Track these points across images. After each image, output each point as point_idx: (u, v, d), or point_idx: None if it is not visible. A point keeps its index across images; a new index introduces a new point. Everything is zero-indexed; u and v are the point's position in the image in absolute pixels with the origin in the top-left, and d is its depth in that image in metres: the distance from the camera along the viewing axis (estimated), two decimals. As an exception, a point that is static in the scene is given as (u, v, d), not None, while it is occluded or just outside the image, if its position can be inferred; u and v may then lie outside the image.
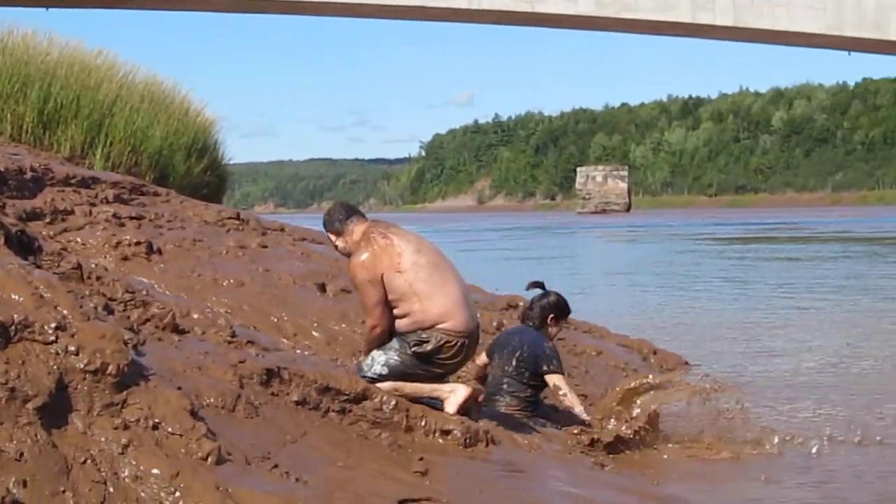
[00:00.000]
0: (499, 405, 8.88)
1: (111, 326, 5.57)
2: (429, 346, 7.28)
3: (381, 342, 7.39)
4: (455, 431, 7.08)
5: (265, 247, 12.42)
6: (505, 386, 9.04)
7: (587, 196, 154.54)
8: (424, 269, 7.28)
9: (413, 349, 7.30)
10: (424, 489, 6.13)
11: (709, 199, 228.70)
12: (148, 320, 7.14)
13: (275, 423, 6.26)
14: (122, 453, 5.03)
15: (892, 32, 58.62)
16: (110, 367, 5.25)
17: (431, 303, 7.24)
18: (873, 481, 8.19)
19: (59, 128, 17.62)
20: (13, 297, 5.46)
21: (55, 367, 5.14)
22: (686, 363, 13.84)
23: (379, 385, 7.18)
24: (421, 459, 6.58)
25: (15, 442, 4.70)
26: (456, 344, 7.32)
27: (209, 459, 5.24)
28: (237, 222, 13.43)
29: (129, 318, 6.98)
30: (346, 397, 6.85)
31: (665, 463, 8.54)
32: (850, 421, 9.97)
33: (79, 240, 10.73)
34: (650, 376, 9.59)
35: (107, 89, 19.05)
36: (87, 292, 6.76)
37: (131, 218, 11.79)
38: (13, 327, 5.21)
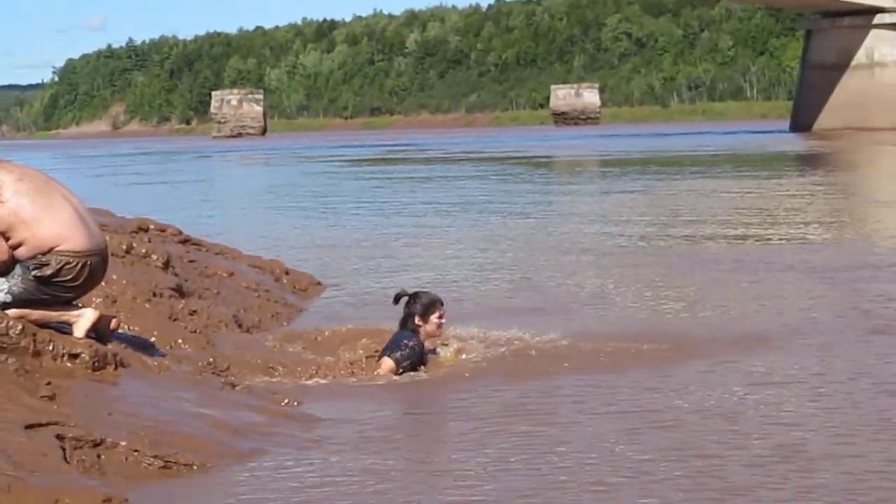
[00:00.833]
0: None
1: None
2: (49, 270, 7.21)
3: (2, 270, 7.28)
4: (83, 355, 7.05)
5: None
6: None
7: (222, 120, 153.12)
8: (27, 196, 7.19)
9: (34, 273, 7.22)
10: (52, 413, 6.13)
11: (344, 122, 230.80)
12: None
13: None
14: None
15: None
16: None
17: (40, 227, 7.17)
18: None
19: None
20: None
21: None
22: (319, 283, 14.10)
23: (5, 311, 7.07)
24: (48, 384, 6.56)
25: None
26: (77, 265, 7.26)
27: None
28: None
29: None
30: (-30, 324, 6.72)
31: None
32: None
33: None
34: None
35: None
36: None
37: None
38: None
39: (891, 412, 7.38)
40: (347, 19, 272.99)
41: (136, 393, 6.98)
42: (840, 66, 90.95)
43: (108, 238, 8.07)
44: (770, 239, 18.37)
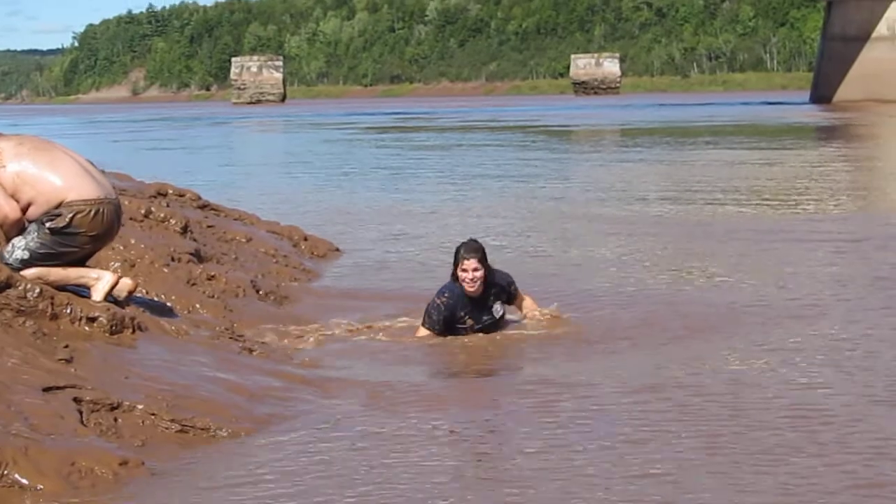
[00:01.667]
0: None
1: None
2: (62, 221, 7.23)
3: (16, 231, 7.32)
4: (101, 318, 7.07)
5: None
6: None
7: (242, 87, 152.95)
8: (27, 156, 7.28)
9: (48, 225, 7.24)
10: (69, 376, 6.15)
11: (364, 89, 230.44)
12: None
13: (-88, 314, 6.13)
14: None
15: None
16: None
17: (45, 183, 7.22)
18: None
19: None
20: None
21: None
22: (337, 249, 14.11)
23: (23, 273, 7.09)
24: (66, 347, 6.58)
25: None
26: (89, 212, 7.27)
27: None
28: None
29: None
30: (-13, 286, 6.73)
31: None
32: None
33: None
34: None
35: None
36: None
37: None
38: None
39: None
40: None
41: (153, 357, 6.99)
42: (861, 38, 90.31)
43: (126, 202, 8.10)
44: (788, 209, 18.30)
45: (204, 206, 13.15)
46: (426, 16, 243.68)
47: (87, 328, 7.01)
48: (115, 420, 5.92)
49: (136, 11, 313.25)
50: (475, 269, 8.89)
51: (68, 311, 7.00)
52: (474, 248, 8.97)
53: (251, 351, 7.90)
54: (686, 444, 6.10)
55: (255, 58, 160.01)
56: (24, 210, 7.26)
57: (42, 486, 5.04)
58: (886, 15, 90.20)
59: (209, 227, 12.23)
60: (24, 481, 5.03)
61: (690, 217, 17.46)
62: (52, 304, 6.94)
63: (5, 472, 5.03)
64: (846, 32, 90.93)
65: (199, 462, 5.77)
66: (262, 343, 8.38)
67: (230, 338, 8.25)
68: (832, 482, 5.50)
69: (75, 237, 7.30)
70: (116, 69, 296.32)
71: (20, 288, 6.84)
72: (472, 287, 8.93)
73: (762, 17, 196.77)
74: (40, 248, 7.25)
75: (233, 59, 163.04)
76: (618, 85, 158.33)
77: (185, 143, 49.23)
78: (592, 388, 7.35)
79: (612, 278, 11.89)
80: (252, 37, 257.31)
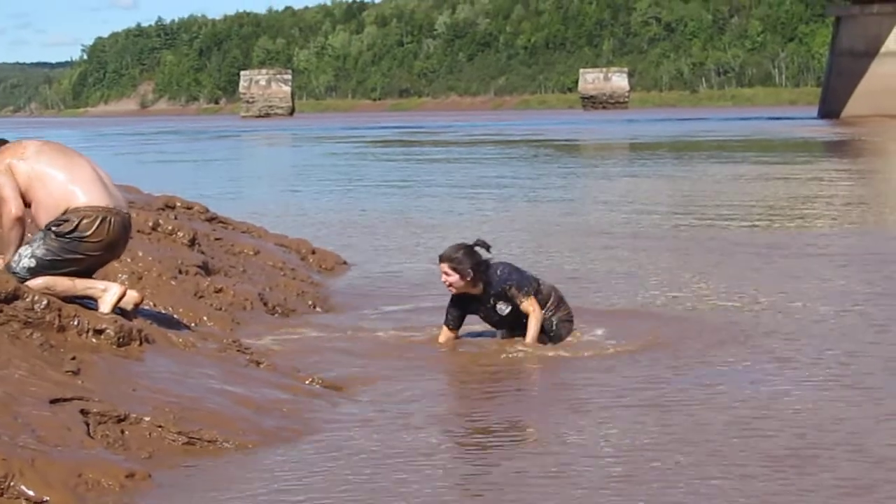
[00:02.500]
0: None
1: None
2: (69, 225, 7.25)
3: (19, 236, 7.35)
4: (108, 330, 7.06)
5: None
6: None
7: (251, 100, 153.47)
8: (47, 154, 7.38)
9: (54, 229, 7.26)
10: (76, 388, 6.14)
11: (372, 103, 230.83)
12: None
13: (-81, 325, 6.13)
14: None
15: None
16: None
17: (56, 184, 7.27)
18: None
19: None
20: None
21: None
22: (345, 262, 14.11)
23: (30, 283, 7.09)
24: (73, 359, 6.57)
25: None
26: (96, 219, 7.28)
27: None
28: None
29: None
30: (-5, 298, 6.73)
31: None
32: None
33: None
34: None
35: None
36: None
37: None
38: None
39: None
40: (377, 1, 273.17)
41: (160, 369, 6.98)
42: (869, 54, 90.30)
43: (134, 214, 8.10)
44: (795, 225, 18.28)
45: (212, 219, 13.15)
46: (435, 30, 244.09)
47: (94, 340, 7.01)
48: (122, 432, 5.92)
49: (145, 24, 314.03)
50: (446, 274, 9.13)
51: (76, 322, 7.00)
52: (446, 255, 9.19)
53: (258, 363, 7.89)
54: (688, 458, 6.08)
55: (264, 71, 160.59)
56: (34, 213, 7.33)
57: (49, 498, 5.04)
58: (895, 30, 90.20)
59: (217, 239, 12.23)
60: (31, 493, 5.02)
61: (699, 232, 17.44)
62: (59, 315, 6.93)
63: (12, 483, 5.02)
64: (854, 48, 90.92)
65: (205, 474, 5.76)
66: (269, 355, 8.37)
67: (237, 350, 8.24)
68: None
69: (80, 243, 7.29)
70: (125, 82, 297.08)
71: (27, 299, 6.83)
72: (450, 289, 9.20)
73: (771, 32, 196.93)
74: (46, 254, 7.26)
75: (241, 73, 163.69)
76: (626, 99, 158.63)
77: (194, 155, 49.30)
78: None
79: (621, 293, 11.88)
80: (261, 50, 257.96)
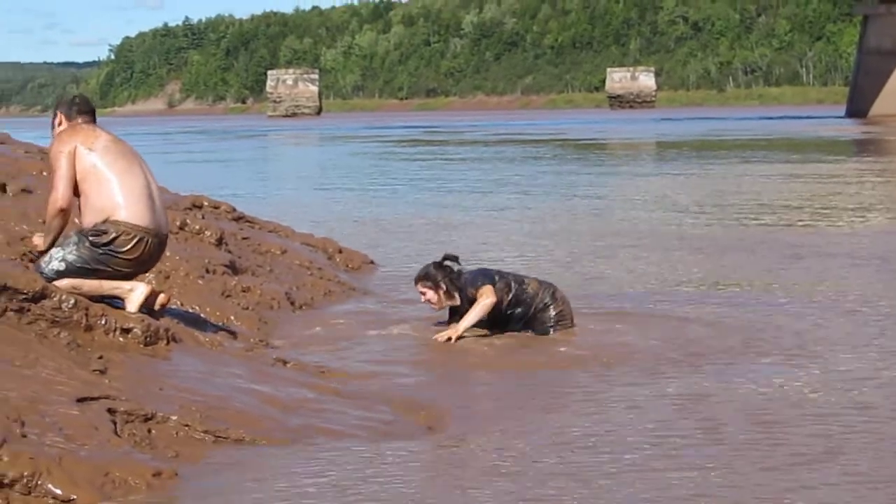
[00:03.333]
0: None
1: None
2: (106, 237, 7.28)
3: (60, 226, 7.38)
4: (135, 329, 7.09)
5: (-62, 149, 11.98)
6: None
7: (278, 99, 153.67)
8: (112, 154, 7.41)
9: (90, 239, 7.29)
10: (103, 387, 6.16)
11: (399, 103, 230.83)
12: None
13: (-52, 324, 6.16)
14: None
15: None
16: None
17: (107, 189, 7.29)
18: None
19: None
20: None
21: None
22: (371, 262, 14.10)
23: (58, 283, 7.12)
24: (100, 358, 6.60)
25: None
26: (133, 237, 7.32)
27: None
28: None
29: None
30: (24, 296, 6.73)
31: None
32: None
33: None
34: None
35: None
36: None
37: None
38: None
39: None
40: (404, 0, 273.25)
41: (187, 368, 7.00)
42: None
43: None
44: (823, 224, 18.21)
45: (239, 218, 13.18)
46: (462, 29, 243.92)
47: (121, 339, 7.04)
48: (149, 431, 5.93)
49: (172, 24, 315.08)
50: (422, 294, 9.39)
51: (103, 322, 7.03)
52: (418, 276, 9.48)
53: (285, 363, 7.90)
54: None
55: (291, 71, 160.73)
56: (78, 196, 7.37)
57: (76, 497, 5.05)
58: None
59: (244, 239, 12.25)
60: (58, 491, 5.03)
61: (727, 231, 17.39)
62: (86, 315, 6.96)
63: (39, 482, 5.04)
64: (882, 46, 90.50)
65: (232, 473, 5.76)
66: (296, 354, 8.37)
67: (264, 349, 8.25)
68: None
69: (113, 258, 7.33)
70: (152, 82, 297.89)
71: (55, 299, 6.87)
72: (433, 307, 9.48)
73: (798, 31, 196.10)
74: (77, 261, 7.29)
75: (269, 72, 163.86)
76: (653, 99, 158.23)
77: (221, 155, 49.43)
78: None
79: (647, 291, 11.84)
80: (288, 50, 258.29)
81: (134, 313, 7.30)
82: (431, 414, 7.03)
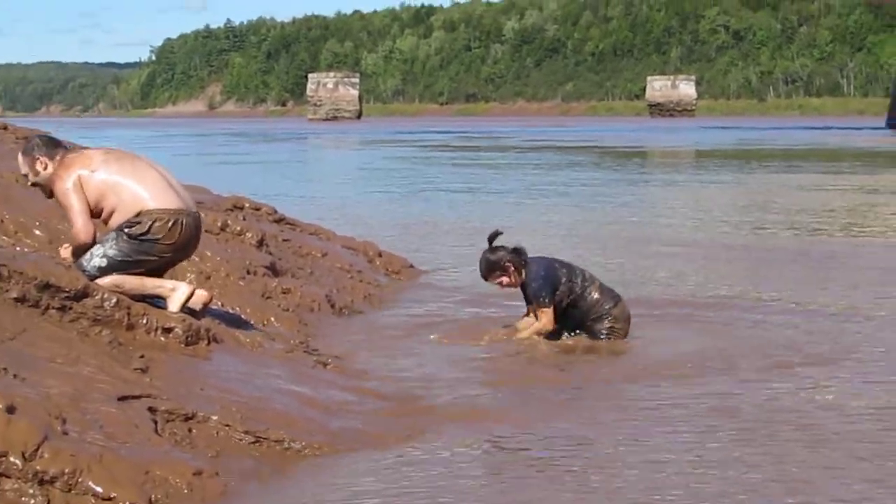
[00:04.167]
0: None
1: None
2: (142, 227, 7.29)
3: (85, 251, 7.39)
4: (177, 329, 7.09)
5: (-17, 146, 12.04)
6: None
7: (318, 103, 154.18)
8: (114, 163, 7.41)
9: (127, 231, 7.29)
10: (144, 386, 6.16)
11: (439, 108, 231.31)
12: None
13: (-8, 319, 6.16)
14: None
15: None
16: None
17: (128, 191, 7.31)
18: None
19: None
20: None
21: None
22: (411, 266, 14.07)
23: (100, 281, 7.13)
24: (142, 357, 6.60)
25: None
26: (168, 221, 7.32)
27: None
28: (-46, 121, 12.95)
29: None
30: (66, 294, 6.74)
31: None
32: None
33: None
34: None
35: None
36: None
37: None
38: None
39: None
40: (445, 5, 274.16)
41: (228, 368, 6.99)
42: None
43: (203, 215, 8.12)
44: (861, 235, 18.09)
45: (280, 220, 13.19)
46: (503, 35, 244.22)
47: (162, 338, 7.04)
48: (190, 430, 5.92)
49: (213, 26, 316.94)
50: (500, 284, 9.44)
51: (144, 321, 7.03)
52: (484, 272, 9.50)
53: (325, 365, 7.89)
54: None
55: (332, 74, 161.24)
56: (107, 220, 7.36)
57: (116, 495, 5.04)
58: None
59: (285, 241, 12.26)
60: (99, 489, 5.02)
61: (765, 241, 17.30)
62: (128, 313, 6.96)
63: (80, 479, 5.03)
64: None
65: (272, 473, 5.75)
66: (336, 357, 8.36)
67: (304, 351, 8.24)
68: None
69: (153, 245, 7.33)
70: (193, 83, 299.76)
71: (97, 297, 6.87)
72: (514, 288, 9.51)
73: (839, 41, 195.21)
74: (118, 255, 7.30)
75: (309, 75, 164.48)
76: (693, 107, 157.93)
77: (262, 157, 49.58)
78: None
79: (686, 299, 11.77)
80: (329, 53, 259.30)
81: (175, 313, 7.30)
82: (473, 417, 6.99)
